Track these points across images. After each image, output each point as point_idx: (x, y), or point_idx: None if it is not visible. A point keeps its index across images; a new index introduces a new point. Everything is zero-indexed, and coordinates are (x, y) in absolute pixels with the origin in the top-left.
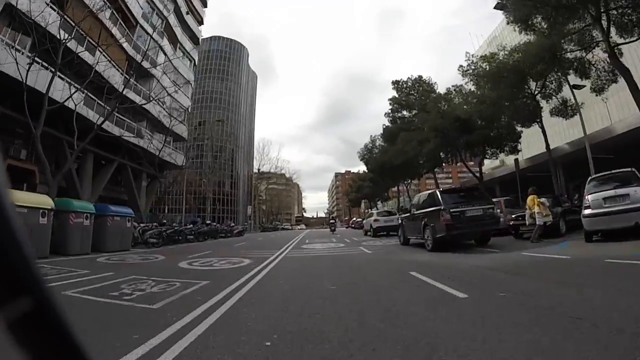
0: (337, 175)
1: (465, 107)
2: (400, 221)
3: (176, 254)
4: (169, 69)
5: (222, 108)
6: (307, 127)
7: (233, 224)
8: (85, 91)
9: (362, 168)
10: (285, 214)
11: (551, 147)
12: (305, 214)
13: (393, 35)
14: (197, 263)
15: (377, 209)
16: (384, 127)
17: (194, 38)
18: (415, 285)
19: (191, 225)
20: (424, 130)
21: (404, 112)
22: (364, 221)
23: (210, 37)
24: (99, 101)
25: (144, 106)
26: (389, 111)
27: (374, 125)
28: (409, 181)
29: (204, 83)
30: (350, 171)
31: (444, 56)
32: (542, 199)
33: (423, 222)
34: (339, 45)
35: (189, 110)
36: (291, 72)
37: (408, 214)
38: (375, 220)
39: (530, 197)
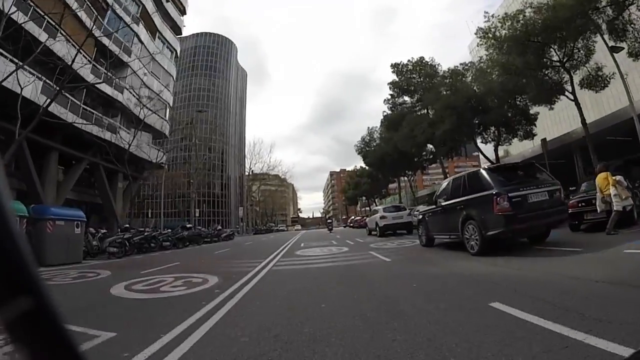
0: (332, 174)
1: (477, 85)
2: (419, 216)
3: (129, 268)
4: (145, 57)
5: (210, 106)
6: (302, 127)
7: (220, 228)
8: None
9: (360, 164)
10: (280, 215)
11: (566, 130)
12: (301, 215)
13: (387, 34)
14: (140, 285)
15: (378, 205)
16: (384, 115)
17: (175, 28)
18: (544, 345)
19: (168, 231)
20: (430, 114)
21: (406, 98)
22: (368, 219)
23: (196, 34)
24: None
25: (118, 99)
26: (389, 97)
27: (369, 125)
28: (412, 174)
29: (190, 81)
30: (345, 170)
31: (438, 52)
32: (618, 177)
33: (462, 216)
34: (333, 44)
35: (171, 105)
36: (285, 72)
37: (432, 207)
38: (382, 217)
39: (601, 176)
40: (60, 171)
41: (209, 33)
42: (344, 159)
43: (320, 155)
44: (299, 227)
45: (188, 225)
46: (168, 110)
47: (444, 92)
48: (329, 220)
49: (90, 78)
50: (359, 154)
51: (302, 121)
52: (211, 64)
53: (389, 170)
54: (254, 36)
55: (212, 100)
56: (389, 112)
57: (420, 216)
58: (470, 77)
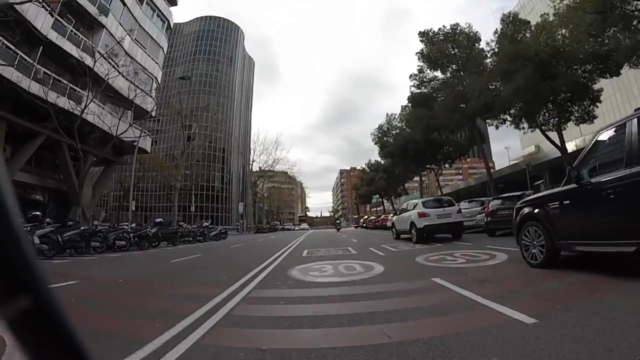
0: (342, 172)
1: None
2: (523, 210)
3: None
4: (127, 21)
5: (213, 93)
6: (312, 127)
7: (208, 224)
8: None
9: (374, 157)
10: (287, 213)
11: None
12: (309, 213)
13: (398, 35)
14: None
15: (401, 202)
16: (411, 93)
17: None
18: None
19: (125, 227)
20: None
21: (437, 73)
22: (395, 218)
23: (200, 17)
24: None
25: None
26: (416, 72)
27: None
28: (437, 168)
29: (192, 66)
30: (356, 168)
31: None
32: None
33: None
34: (343, 45)
35: (159, 81)
36: (296, 71)
37: (565, 188)
38: (422, 216)
39: None
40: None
41: (214, 17)
42: (353, 159)
43: (330, 155)
44: (307, 226)
45: (157, 220)
46: (154, 85)
47: (507, 44)
48: (337, 221)
49: (53, 37)
50: (375, 143)
51: (312, 121)
52: (215, 48)
53: (412, 160)
54: (265, 35)
55: (215, 87)
56: (416, 90)
57: (530, 209)
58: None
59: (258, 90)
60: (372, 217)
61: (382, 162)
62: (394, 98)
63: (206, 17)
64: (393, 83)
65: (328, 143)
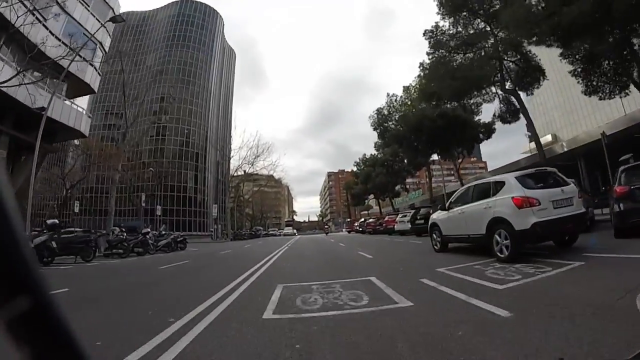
0: (330, 175)
1: None
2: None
3: None
4: None
5: (189, 82)
6: (298, 131)
7: (149, 230)
8: None
9: (372, 150)
10: (273, 218)
11: None
12: (296, 218)
13: (382, 36)
14: None
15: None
16: (431, 46)
17: None
18: None
19: None
20: None
21: (459, 28)
22: (439, 215)
23: (176, 1)
24: None
25: None
26: (432, 28)
27: (364, 129)
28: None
29: (165, 52)
30: (344, 170)
31: None
32: None
33: None
34: (328, 47)
35: (106, 49)
36: (281, 75)
37: None
38: (527, 204)
39: None
40: None
41: (191, 0)
42: (340, 163)
43: (316, 159)
44: (291, 230)
45: (50, 222)
46: (99, 53)
47: None
48: (326, 226)
49: None
50: (375, 129)
51: (298, 125)
52: (192, 34)
53: (426, 143)
54: (250, 36)
55: (191, 75)
56: (431, 50)
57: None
58: None
59: (244, 95)
60: (371, 220)
61: (380, 155)
62: (379, 100)
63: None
64: (378, 85)
65: (314, 147)
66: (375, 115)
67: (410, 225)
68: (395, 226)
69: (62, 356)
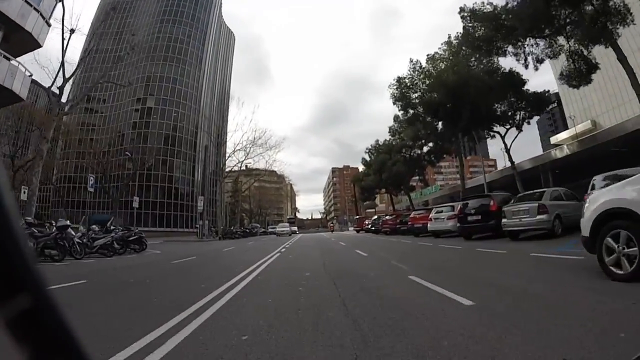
0: (334, 170)
1: None
2: None
3: None
4: None
5: (176, 59)
6: (302, 128)
7: (67, 223)
8: None
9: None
10: (274, 215)
11: None
12: (299, 215)
13: (388, 35)
14: None
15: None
16: None
17: None
18: None
19: None
20: None
21: None
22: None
23: None
24: None
25: None
26: None
27: (368, 128)
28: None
29: (157, 28)
30: (349, 166)
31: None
32: None
33: None
34: (333, 45)
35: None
36: (286, 72)
37: None
38: None
39: None
40: None
41: None
42: (344, 162)
43: (320, 157)
44: (290, 229)
45: None
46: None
47: None
48: (330, 224)
49: None
50: (394, 102)
51: (303, 122)
52: (185, 9)
53: (471, 114)
54: (256, 35)
55: (182, 54)
56: None
57: None
58: None
59: (249, 92)
60: (388, 217)
61: (396, 141)
62: (386, 100)
63: None
64: (383, 84)
65: (318, 145)
66: (396, 86)
67: (452, 224)
68: (428, 225)
69: (62, 355)
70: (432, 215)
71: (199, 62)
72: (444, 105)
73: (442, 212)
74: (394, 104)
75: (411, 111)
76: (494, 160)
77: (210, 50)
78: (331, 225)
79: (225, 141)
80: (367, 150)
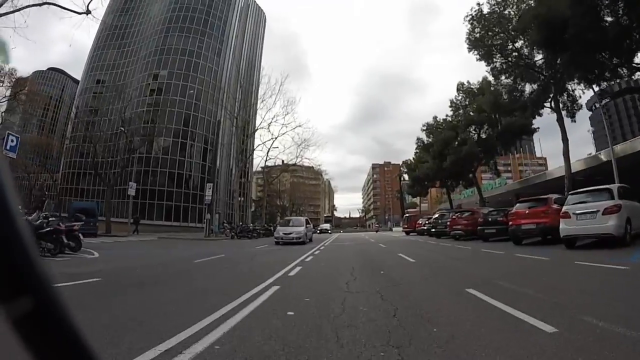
0: (374, 167)
1: None
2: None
3: None
4: None
5: (194, 30)
6: (340, 126)
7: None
8: None
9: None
10: (311, 213)
11: None
12: (336, 213)
13: (426, 33)
14: None
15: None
16: None
17: None
18: None
19: None
20: None
21: None
22: None
23: None
24: None
25: None
26: None
27: (407, 127)
28: None
29: None
30: (390, 163)
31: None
32: None
33: None
34: (370, 43)
35: None
36: (324, 70)
37: None
38: None
39: None
40: None
41: None
42: (383, 160)
43: (359, 155)
44: (305, 229)
45: None
46: None
47: None
48: (376, 223)
49: None
50: (471, 48)
51: (341, 120)
52: None
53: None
54: (293, 32)
55: (201, 24)
56: None
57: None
58: None
59: (289, 89)
60: (466, 213)
61: (460, 116)
62: (424, 99)
63: None
64: (422, 82)
65: (357, 143)
66: (473, 16)
67: (613, 223)
68: (561, 225)
69: (69, 355)
70: (567, 208)
71: (223, 36)
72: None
73: (589, 201)
74: (470, 50)
75: (499, 58)
76: (544, 159)
77: (235, 23)
78: (377, 225)
79: (254, 128)
80: (425, 128)
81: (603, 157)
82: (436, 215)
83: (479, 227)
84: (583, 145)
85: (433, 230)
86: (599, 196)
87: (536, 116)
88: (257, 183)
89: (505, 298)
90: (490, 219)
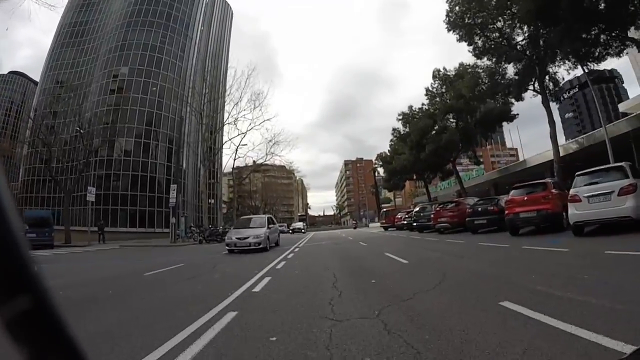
0: (347, 163)
1: None
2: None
3: None
4: None
5: (156, 24)
6: (313, 125)
7: None
8: None
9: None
10: (284, 212)
11: None
12: (310, 212)
13: (397, 28)
14: None
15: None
16: None
17: None
18: None
19: None
20: None
21: None
22: None
23: None
24: None
25: None
26: None
27: (379, 123)
28: None
29: None
30: (362, 159)
31: (450, 47)
32: None
33: None
34: (341, 40)
35: None
36: (295, 69)
37: None
38: None
39: None
40: None
41: None
42: (355, 157)
43: (332, 153)
44: (264, 231)
45: None
46: None
47: None
48: (353, 220)
49: None
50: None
51: (313, 119)
52: None
53: None
54: (264, 32)
55: (163, 17)
56: None
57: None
58: None
59: (257, 84)
60: (444, 205)
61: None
62: (395, 94)
63: None
64: (393, 78)
65: (329, 141)
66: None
67: (631, 205)
68: (573, 209)
69: (61, 356)
70: (576, 190)
71: (186, 28)
72: None
73: (600, 182)
74: (450, 30)
75: (480, 38)
76: (515, 150)
77: (200, 17)
78: (354, 222)
79: (222, 123)
80: (400, 118)
81: (585, 142)
82: (417, 209)
83: (467, 219)
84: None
85: (415, 224)
86: (611, 176)
87: (519, 100)
88: (229, 184)
89: (568, 314)
90: (480, 209)
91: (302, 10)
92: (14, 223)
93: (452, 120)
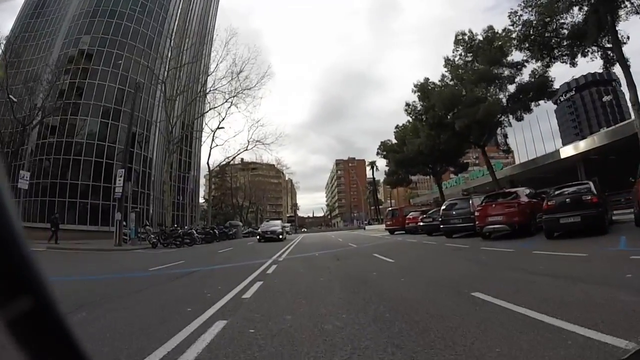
0: (338, 163)
1: None
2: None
3: None
4: None
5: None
6: (302, 126)
7: None
8: None
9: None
10: (272, 212)
11: None
12: (299, 213)
13: (387, 29)
14: None
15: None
16: None
17: None
18: None
19: None
20: None
21: None
22: None
23: None
24: None
25: None
26: None
27: (369, 125)
28: None
29: None
30: (354, 158)
31: (438, 49)
32: None
33: None
34: (332, 40)
35: None
36: (285, 69)
37: None
38: None
39: None
40: None
41: None
42: (345, 158)
43: (321, 154)
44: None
45: None
46: None
47: None
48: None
49: None
50: None
51: (303, 119)
52: None
53: None
54: (255, 30)
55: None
56: None
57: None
58: None
59: (252, 93)
60: (508, 196)
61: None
62: (385, 94)
63: None
64: (383, 78)
65: (319, 142)
66: None
67: None
68: None
69: (62, 356)
70: None
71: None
72: None
73: None
74: None
75: None
76: (512, 152)
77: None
78: (355, 223)
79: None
80: (417, 89)
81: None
82: (443, 207)
83: (546, 216)
84: (548, 140)
85: (442, 226)
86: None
87: (574, 59)
88: (211, 180)
89: None
90: (568, 201)
91: (292, 10)
92: (15, 223)
93: (483, 91)
